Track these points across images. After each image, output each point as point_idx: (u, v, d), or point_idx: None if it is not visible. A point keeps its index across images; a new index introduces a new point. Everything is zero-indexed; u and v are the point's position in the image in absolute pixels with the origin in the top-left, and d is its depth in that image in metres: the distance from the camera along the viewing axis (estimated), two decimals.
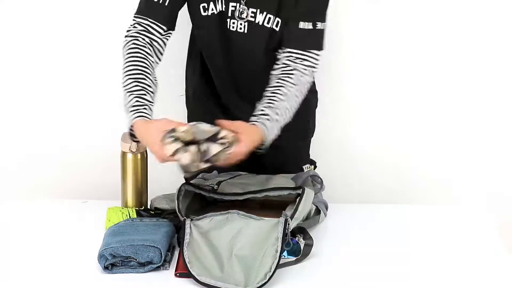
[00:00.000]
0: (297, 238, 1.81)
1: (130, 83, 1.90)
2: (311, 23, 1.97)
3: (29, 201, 2.09)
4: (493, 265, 1.80)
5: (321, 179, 2.01)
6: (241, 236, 1.76)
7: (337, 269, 1.77)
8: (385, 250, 1.85)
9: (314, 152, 2.33)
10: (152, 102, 1.89)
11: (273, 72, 1.99)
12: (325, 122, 2.44)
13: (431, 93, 2.65)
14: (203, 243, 1.76)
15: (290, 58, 1.98)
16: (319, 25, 1.98)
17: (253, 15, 1.98)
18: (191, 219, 1.81)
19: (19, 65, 2.62)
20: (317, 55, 1.99)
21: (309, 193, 1.87)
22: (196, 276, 1.69)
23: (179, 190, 1.90)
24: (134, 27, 1.98)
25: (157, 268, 1.73)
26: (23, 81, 2.64)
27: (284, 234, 1.75)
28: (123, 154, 1.99)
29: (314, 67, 2.00)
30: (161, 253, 1.72)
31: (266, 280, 1.68)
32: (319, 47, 2.00)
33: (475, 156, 2.71)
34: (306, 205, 1.86)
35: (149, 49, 1.96)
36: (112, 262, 1.72)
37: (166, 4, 1.96)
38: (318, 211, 1.97)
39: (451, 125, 2.69)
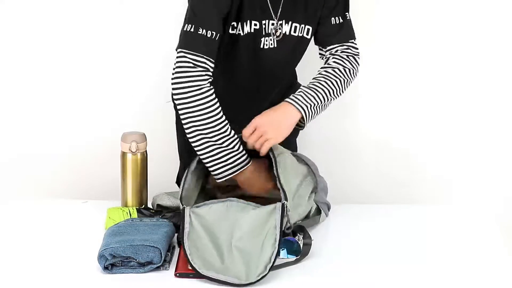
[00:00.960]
0: (297, 237, 1.81)
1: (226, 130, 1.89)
2: (341, 16, 2.04)
3: (29, 201, 2.09)
4: (493, 265, 1.79)
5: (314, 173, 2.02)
6: (239, 226, 1.76)
7: (337, 268, 1.76)
8: (385, 250, 1.84)
9: (314, 152, 2.32)
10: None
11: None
12: (325, 122, 2.44)
13: (432, 94, 2.65)
14: (203, 233, 1.77)
15: (331, 52, 2.05)
16: (348, 15, 2.06)
17: (280, 26, 2.00)
18: (191, 207, 1.81)
19: (19, 65, 2.63)
20: (354, 43, 2.07)
21: (285, 158, 1.89)
22: (197, 269, 1.69)
23: (185, 177, 1.91)
24: (196, 67, 1.85)
25: (157, 268, 1.73)
26: (23, 81, 2.64)
27: (282, 220, 1.75)
28: (123, 154, 1.99)
29: (356, 54, 2.07)
30: (161, 253, 1.72)
31: (266, 272, 1.68)
32: (353, 35, 2.09)
33: (475, 156, 2.71)
34: (287, 176, 1.86)
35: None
36: (112, 262, 1.72)
37: (217, 38, 1.87)
38: (318, 211, 1.97)
39: (451, 126, 2.69)
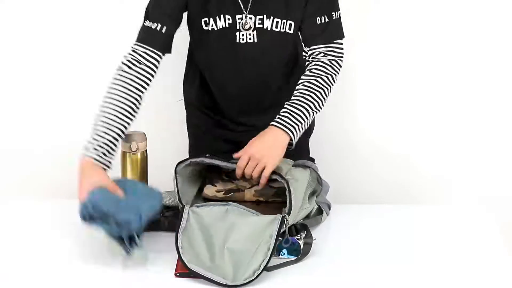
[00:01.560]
0: (297, 237, 1.81)
1: (109, 114, 1.89)
2: (326, 16, 2.00)
3: (29, 201, 2.09)
4: (493, 265, 1.80)
5: (319, 176, 2.01)
6: (236, 230, 1.77)
7: (337, 268, 1.76)
8: (385, 250, 1.84)
9: (314, 152, 2.33)
10: (116, 147, 1.88)
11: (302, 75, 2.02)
12: (325, 122, 2.44)
13: (432, 94, 2.65)
14: (198, 231, 1.78)
15: (313, 55, 2.02)
16: (335, 15, 2.01)
17: (260, 21, 1.99)
18: (190, 206, 1.83)
19: (19, 65, 2.63)
20: (340, 43, 2.04)
21: (298, 182, 1.87)
22: (186, 263, 1.71)
23: (175, 170, 1.91)
24: (131, 54, 1.96)
25: (125, 248, 1.73)
26: (23, 81, 2.64)
27: (280, 232, 1.75)
28: (123, 154, 1.99)
29: (339, 57, 2.04)
30: (141, 219, 1.73)
31: (253, 278, 1.69)
32: (340, 35, 2.04)
33: (475, 156, 2.71)
34: (298, 194, 1.85)
35: (142, 79, 1.93)
36: (92, 214, 1.72)
37: (164, 31, 1.94)
38: (320, 211, 1.97)
39: (451, 126, 2.69)
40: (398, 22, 2.58)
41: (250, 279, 1.68)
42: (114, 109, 1.89)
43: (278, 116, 1.94)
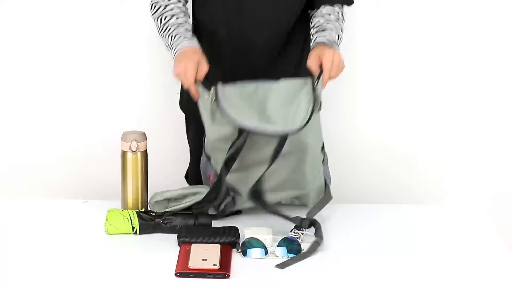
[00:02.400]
0: (297, 237, 1.82)
1: (170, 19, 1.98)
2: None
3: (29, 201, 2.09)
4: (493, 265, 1.80)
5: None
6: (270, 99, 1.84)
7: (337, 268, 1.76)
8: (385, 250, 1.85)
9: None
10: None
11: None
12: (326, 122, 2.43)
13: (432, 94, 2.66)
14: (235, 98, 1.83)
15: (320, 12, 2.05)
16: None
17: None
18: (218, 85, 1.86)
19: (19, 65, 2.63)
20: (341, 8, 2.08)
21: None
22: (233, 117, 1.79)
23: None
24: None
25: None
26: (22, 81, 2.64)
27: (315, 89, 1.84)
28: (123, 154, 1.99)
29: (342, 18, 2.08)
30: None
31: (309, 116, 1.80)
32: (349, 1, 2.09)
33: (475, 156, 2.72)
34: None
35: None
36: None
37: None
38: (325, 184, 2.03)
39: (451, 125, 2.69)
40: (399, 22, 2.59)
41: (307, 118, 1.79)
42: (174, 18, 1.97)
43: (320, 36, 1.99)
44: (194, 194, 1.95)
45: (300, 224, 1.87)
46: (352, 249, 1.85)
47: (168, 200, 1.96)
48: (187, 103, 2.20)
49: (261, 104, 1.84)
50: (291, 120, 1.81)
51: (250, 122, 1.80)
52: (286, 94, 1.85)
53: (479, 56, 2.61)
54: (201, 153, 2.03)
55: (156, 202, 1.96)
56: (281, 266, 1.75)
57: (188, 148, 2.34)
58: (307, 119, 1.81)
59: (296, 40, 2.10)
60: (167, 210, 1.95)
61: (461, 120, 2.68)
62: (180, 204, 1.95)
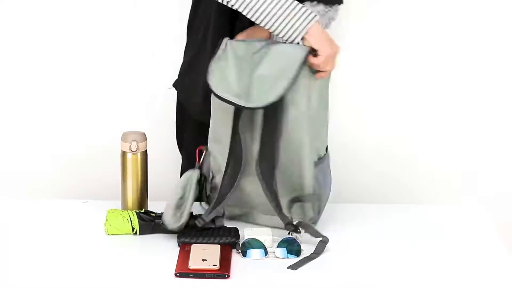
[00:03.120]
0: (296, 237, 1.82)
1: None
2: None
3: (29, 201, 2.09)
4: (493, 265, 1.80)
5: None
6: (267, 58, 1.82)
7: (337, 268, 1.77)
8: (385, 250, 1.85)
9: None
10: None
11: None
12: None
13: (432, 94, 2.65)
14: (232, 60, 1.83)
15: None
16: None
17: None
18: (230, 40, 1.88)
19: (19, 65, 2.62)
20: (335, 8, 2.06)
21: None
22: (212, 87, 1.79)
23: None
24: None
25: None
26: (22, 81, 2.64)
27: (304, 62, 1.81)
28: (123, 154, 1.99)
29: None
30: None
31: (275, 100, 1.77)
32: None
33: (475, 156, 2.71)
34: None
35: None
36: None
37: None
38: None
39: (450, 126, 2.69)
40: (399, 22, 2.58)
41: (271, 101, 1.77)
42: None
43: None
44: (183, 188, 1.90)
45: (284, 228, 1.85)
46: (352, 249, 1.85)
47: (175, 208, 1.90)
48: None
49: (254, 66, 1.82)
50: (266, 93, 1.79)
51: (228, 96, 1.79)
52: (279, 61, 1.82)
53: (479, 56, 2.61)
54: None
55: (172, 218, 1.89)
56: (293, 267, 1.74)
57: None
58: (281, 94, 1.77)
59: None
60: (181, 222, 1.87)
61: (461, 120, 2.68)
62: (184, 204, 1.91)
